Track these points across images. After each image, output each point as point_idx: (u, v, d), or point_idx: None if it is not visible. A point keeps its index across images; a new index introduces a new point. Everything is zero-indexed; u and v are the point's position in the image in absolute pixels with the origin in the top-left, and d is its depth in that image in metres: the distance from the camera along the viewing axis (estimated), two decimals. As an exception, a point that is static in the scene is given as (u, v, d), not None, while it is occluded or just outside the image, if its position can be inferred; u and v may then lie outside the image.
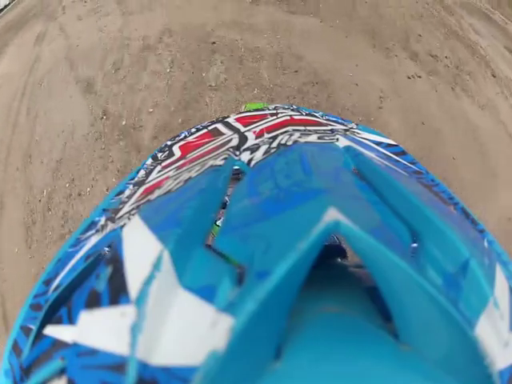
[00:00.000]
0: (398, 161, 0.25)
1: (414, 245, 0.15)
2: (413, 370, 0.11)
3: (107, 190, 1.43)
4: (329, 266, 0.18)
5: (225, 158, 0.21)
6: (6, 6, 2.41)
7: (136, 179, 0.27)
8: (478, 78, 1.89)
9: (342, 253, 0.22)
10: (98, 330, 0.12)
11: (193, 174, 0.21)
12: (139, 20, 1.96)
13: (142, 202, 0.21)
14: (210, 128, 0.32)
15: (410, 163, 0.26)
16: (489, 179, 1.58)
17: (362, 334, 0.12)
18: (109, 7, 2.06)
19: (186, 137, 0.32)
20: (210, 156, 0.24)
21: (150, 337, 0.11)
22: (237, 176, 0.27)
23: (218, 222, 0.50)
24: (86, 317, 0.13)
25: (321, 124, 0.30)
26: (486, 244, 0.18)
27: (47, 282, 0.18)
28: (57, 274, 0.18)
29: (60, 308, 0.15)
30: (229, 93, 1.63)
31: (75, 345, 0.12)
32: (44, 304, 0.16)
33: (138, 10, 2.02)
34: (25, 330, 0.16)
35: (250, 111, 0.35)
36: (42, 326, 0.15)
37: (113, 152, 1.51)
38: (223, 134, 0.29)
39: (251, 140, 0.26)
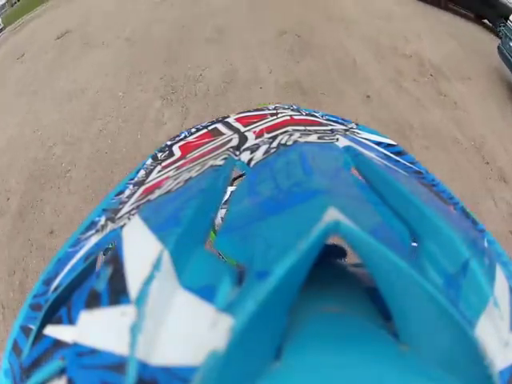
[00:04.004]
0: (397, 161, 0.25)
1: (414, 244, 0.15)
2: (413, 370, 0.11)
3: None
4: (329, 266, 0.18)
5: (225, 158, 0.21)
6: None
7: (136, 179, 0.27)
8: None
9: (342, 253, 0.22)
10: (97, 329, 0.12)
11: (193, 173, 0.21)
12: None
13: (142, 201, 0.21)
14: (209, 128, 0.32)
15: (410, 163, 0.26)
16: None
17: (362, 334, 0.12)
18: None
19: (185, 137, 0.32)
20: (210, 156, 0.24)
21: (150, 337, 0.11)
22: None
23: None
24: (85, 317, 0.13)
25: (321, 124, 0.30)
26: (485, 244, 0.18)
27: (47, 282, 0.18)
28: (57, 274, 0.18)
29: (60, 308, 0.15)
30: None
31: (75, 345, 0.12)
32: (44, 304, 0.16)
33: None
34: (25, 329, 0.16)
35: (249, 111, 0.35)
36: (42, 325, 0.15)
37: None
38: (223, 134, 0.29)
39: (251, 140, 0.26)
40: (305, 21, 3.28)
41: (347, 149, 0.22)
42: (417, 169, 0.25)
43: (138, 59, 2.91)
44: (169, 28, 3.34)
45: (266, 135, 0.26)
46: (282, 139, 0.24)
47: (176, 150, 0.30)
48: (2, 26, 4.60)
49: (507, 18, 3.12)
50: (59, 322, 0.14)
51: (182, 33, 3.22)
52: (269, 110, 0.34)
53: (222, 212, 0.48)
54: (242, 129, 0.29)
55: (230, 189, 0.51)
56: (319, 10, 3.55)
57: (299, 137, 0.24)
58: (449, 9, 4.28)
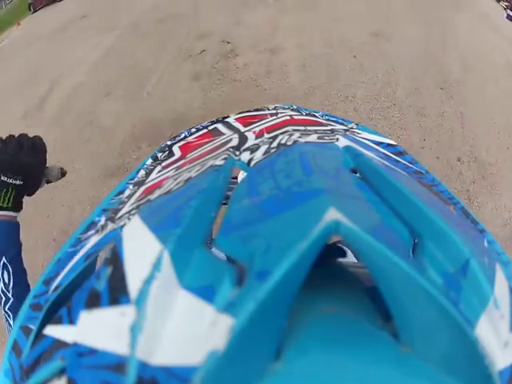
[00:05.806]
0: (398, 161, 0.25)
1: (414, 245, 0.15)
2: (413, 371, 0.11)
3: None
4: (328, 266, 0.18)
5: (225, 158, 0.21)
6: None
7: (136, 179, 0.27)
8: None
9: (341, 252, 0.22)
10: (97, 329, 0.12)
11: (193, 173, 0.21)
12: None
13: (142, 202, 0.21)
14: (210, 128, 0.32)
15: (410, 163, 0.26)
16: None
17: (362, 335, 0.12)
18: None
19: (186, 137, 0.32)
20: (210, 156, 0.24)
21: (150, 337, 0.11)
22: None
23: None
24: (85, 317, 0.13)
25: (321, 124, 0.30)
26: (485, 244, 0.18)
27: (47, 282, 0.18)
28: (57, 274, 0.18)
29: (60, 308, 0.15)
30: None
31: (75, 345, 0.12)
32: (44, 304, 0.16)
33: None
34: (25, 330, 0.16)
35: (249, 111, 0.35)
36: (42, 325, 0.15)
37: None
38: (223, 134, 0.29)
39: (251, 140, 0.26)
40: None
41: (347, 149, 0.22)
42: (417, 169, 0.25)
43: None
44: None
45: (266, 135, 0.26)
46: (282, 139, 0.24)
47: (176, 150, 0.30)
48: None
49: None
50: (59, 322, 0.14)
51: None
52: (269, 109, 0.34)
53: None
54: (242, 129, 0.29)
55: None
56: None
57: (299, 137, 0.24)
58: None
